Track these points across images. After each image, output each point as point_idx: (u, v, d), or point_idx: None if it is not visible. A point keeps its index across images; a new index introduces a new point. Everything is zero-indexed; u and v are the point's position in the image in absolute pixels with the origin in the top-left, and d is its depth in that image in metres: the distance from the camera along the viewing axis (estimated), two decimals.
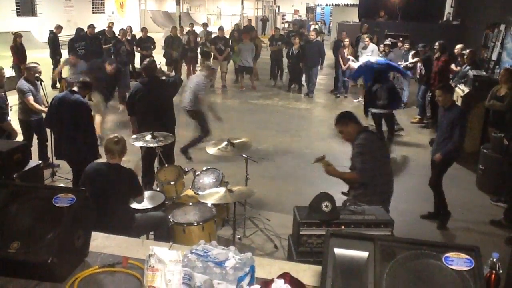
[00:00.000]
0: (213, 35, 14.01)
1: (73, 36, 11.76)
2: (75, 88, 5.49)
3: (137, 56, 13.02)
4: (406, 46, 11.89)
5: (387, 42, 11.57)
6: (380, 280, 1.87)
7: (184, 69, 13.81)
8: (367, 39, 11.94)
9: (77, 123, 5.33)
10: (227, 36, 14.23)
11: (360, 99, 11.91)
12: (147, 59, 6.18)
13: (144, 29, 13.07)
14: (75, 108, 5.32)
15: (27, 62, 8.82)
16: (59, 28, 12.33)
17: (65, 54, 11.75)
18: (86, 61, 11.35)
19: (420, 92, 10.19)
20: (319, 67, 12.43)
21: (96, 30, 12.24)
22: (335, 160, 4.46)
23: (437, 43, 9.77)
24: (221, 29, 13.53)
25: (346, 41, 12.00)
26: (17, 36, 10.97)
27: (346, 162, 4.34)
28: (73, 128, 5.33)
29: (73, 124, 5.33)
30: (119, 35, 12.35)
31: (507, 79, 6.62)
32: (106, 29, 13.04)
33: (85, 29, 11.89)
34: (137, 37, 13.39)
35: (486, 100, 6.83)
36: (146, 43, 12.61)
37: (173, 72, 12.99)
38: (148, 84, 5.87)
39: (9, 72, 11.61)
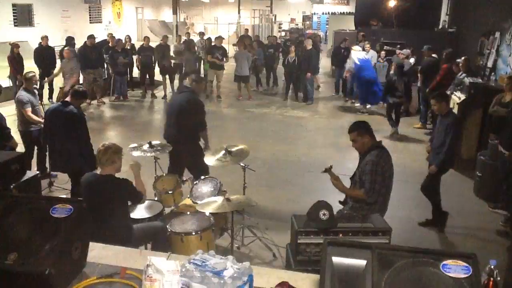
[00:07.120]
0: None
1: (64, 45, 11.77)
2: (67, 99, 5.45)
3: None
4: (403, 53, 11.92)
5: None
6: None
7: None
8: (367, 46, 12.03)
9: (71, 134, 5.27)
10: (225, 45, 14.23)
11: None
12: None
13: (146, 38, 13.09)
14: (68, 120, 5.27)
15: (24, 72, 8.80)
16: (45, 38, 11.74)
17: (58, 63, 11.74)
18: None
19: (421, 98, 10.24)
20: (314, 75, 12.44)
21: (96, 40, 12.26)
22: (334, 168, 4.45)
23: (444, 52, 9.83)
24: (219, 38, 13.48)
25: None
26: (14, 46, 10.94)
27: (345, 170, 4.34)
28: (67, 140, 5.27)
29: (66, 136, 5.27)
30: (114, 45, 12.39)
31: None
32: (108, 39, 13.09)
33: (75, 38, 11.98)
34: (136, 46, 13.46)
35: (490, 106, 6.85)
36: (147, 52, 12.70)
37: (168, 81, 13.07)
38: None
39: (6, 83, 11.65)
